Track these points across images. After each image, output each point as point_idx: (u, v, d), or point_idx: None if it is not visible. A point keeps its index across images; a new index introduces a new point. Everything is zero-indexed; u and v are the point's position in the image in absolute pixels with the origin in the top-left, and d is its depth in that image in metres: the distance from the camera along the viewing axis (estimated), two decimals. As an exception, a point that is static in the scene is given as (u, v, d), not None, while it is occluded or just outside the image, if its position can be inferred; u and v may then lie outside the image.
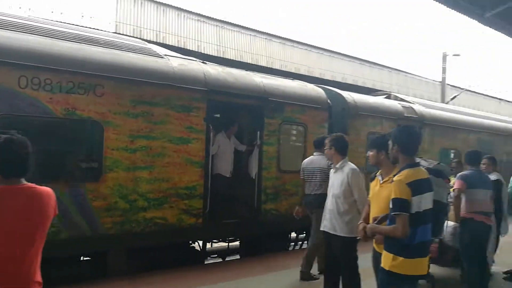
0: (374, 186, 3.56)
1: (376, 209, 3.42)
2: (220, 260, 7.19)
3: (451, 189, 5.36)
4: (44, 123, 4.96)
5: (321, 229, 4.56)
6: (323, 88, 8.19)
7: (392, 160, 3.41)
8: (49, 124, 5.00)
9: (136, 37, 13.19)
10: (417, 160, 3.78)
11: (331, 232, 4.38)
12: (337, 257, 4.42)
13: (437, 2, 12.19)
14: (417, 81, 26.13)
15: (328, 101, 7.88)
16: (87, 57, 5.24)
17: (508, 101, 34.09)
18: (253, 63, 17.44)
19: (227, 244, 7.16)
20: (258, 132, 6.79)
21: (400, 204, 3.01)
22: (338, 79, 20.74)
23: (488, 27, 13.50)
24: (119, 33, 13.16)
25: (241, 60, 17.03)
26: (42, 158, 4.97)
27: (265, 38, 18.83)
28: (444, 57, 21.29)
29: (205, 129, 6.15)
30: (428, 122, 10.12)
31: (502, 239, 6.25)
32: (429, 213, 3.15)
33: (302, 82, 8.09)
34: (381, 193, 3.37)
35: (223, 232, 6.68)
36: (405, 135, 3.28)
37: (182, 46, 14.96)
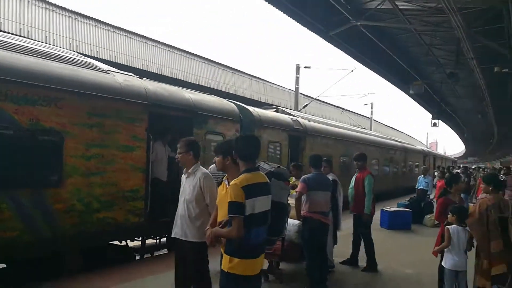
0: (221, 190, 3.53)
1: (222, 213, 3.40)
2: (149, 255, 7.92)
3: (293, 191, 5.87)
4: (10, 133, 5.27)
5: (172, 236, 4.52)
6: (234, 103, 9.56)
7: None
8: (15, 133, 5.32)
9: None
10: (260, 163, 4.06)
11: (183, 238, 4.34)
12: (188, 263, 4.39)
13: (292, 19, 13.23)
14: (274, 89, 28.02)
15: (240, 114, 9.28)
16: (51, 71, 5.66)
17: (349, 111, 38.28)
18: (111, 60, 16.83)
19: (155, 240, 7.96)
20: (189, 141, 7.81)
21: (235, 207, 3.13)
22: (202, 83, 21.24)
23: (332, 45, 15.59)
24: None
25: (98, 56, 16.16)
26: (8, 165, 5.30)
27: (125, 35, 18.13)
28: (297, 68, 22.51)
29: (146, 138, 6.95)
30: (310, 133, 12.30)
31: (339, 234, 7.05)
32: (264, 215, 3.32)
33: (218, 97, 9.33)
34: (226, 197, 3.32)
35: (161, 229, 7.52)
36: (243, 143, 3.45)
37: (26, 35, 13.67)
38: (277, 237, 4.18)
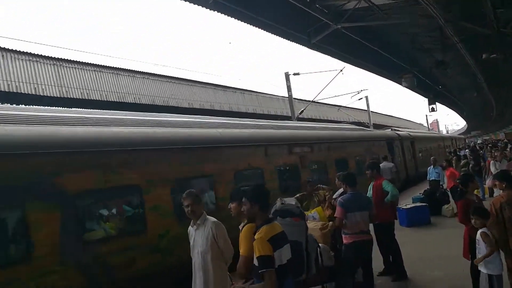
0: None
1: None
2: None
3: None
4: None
5: None
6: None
7: (248, 216, 3.62)
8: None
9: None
10: (277, 201, 4.22)
11: None
12: None
13: (273, 34, 13.56)
14: (268, 99, 28.33)
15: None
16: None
17: (345, 107, 36.19)
18: (101, 99, 17.01)
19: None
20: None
21: (265, 261, 3.15)
22: (196, 106, 21.62)
23: (315, 51, 16.14)
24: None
25: (89, 98, 16.58)
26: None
27: (112, 72, 18.02)
28: (287, 76, 22.17)
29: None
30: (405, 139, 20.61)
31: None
32: (291, 263, 3.37)
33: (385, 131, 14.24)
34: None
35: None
36: (262, 194, 3.51)
37: (15, 90, 14.07)
38: (300, 277, 3.99)
